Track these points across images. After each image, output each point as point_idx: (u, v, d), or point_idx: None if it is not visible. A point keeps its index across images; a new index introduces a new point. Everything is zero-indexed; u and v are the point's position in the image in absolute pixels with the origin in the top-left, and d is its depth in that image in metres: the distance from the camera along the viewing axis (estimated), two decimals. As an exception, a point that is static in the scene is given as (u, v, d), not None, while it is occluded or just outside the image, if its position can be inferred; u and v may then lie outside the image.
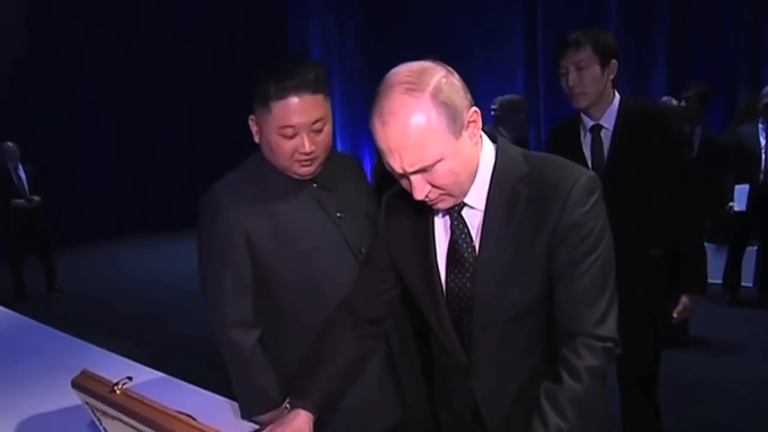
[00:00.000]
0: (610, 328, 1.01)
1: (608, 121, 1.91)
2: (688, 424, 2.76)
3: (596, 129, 1.93)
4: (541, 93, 7.38)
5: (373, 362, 1.35)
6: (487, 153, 1.05)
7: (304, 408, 1.19)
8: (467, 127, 0.99)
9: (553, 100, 7.05)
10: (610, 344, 1.01)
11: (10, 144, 5.94)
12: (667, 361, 2.09)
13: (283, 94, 1.23)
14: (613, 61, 1.87)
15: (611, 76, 1.89)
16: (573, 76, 1.87)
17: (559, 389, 0.99)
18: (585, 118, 1.95)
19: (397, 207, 1.16)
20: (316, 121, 1.26)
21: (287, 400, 1.31)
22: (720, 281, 4.41)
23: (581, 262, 1.00)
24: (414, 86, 0.95)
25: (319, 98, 1.26)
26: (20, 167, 5.99)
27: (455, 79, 0.99)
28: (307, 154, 1.26)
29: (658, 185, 1.89)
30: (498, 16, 7.65)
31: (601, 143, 1.93)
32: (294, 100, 1.23)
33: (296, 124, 1.24)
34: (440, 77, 0.96)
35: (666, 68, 6.32)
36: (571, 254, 1.00)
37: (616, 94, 1.93)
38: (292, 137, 1.25)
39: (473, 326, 1.08)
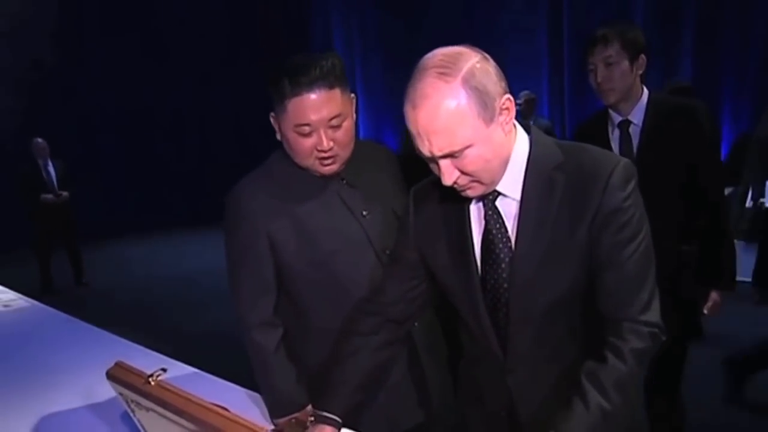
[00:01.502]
0: (655, 313, 1.01)
1: (637, 116, 1.90)
2: (716, 423, 2.71)
3: (625, 125, 1.92)
4: (566, 88, 7.31)
5: (397, 363, 1.33)
6: (521, 143, 1.05)
7: (329, 424, 1.16)
8: (500, 114, 0.98)
9: (578, 95, 6.98)
10: (656, 330, 1.00)
11: (39, 140, 6.05)
12: (695, 358, 2.07)
13: (297, 91, 1.19)
14: (642, 56, 1.86)
15: (640, 72, 1.88)
16: (602, 72, 1.86)
17: (602, 369, 0.98)
18: (613, 113, 1.93)
19: (426, 199, 1.15)
20: (333, 117, 1.22)
21: (311, 409, 1.27)
22: (750, 279, 4.33)
23: (625, 247, 0.99)
24: (447, 70, 0.94)
25: (336, 93, 1.22)
26: (50, 163, 6.09)
27: (490, 66, 0.98)
28: (325, 151, 1.23)
29: (688, 181, 1.88)
30: (522, 11, 7.60)
31: (630, 139, 1.92)
32: (309, 96, 1.19)
33: (312, 122, 1.21)
34: (474, 62, 0.96)
35: (693, 65, 6.22)
36: (615, 240, 0.99)
37: (645, 89, 1.92)
38: (309, 134, 1.22)
39: (510, 319, 1.06)
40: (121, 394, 1.08)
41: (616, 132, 1.94)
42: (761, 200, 4.22)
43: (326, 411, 1.16)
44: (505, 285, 1.05)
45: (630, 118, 1.91)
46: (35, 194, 5.96)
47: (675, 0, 6.35)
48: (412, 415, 1.38)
